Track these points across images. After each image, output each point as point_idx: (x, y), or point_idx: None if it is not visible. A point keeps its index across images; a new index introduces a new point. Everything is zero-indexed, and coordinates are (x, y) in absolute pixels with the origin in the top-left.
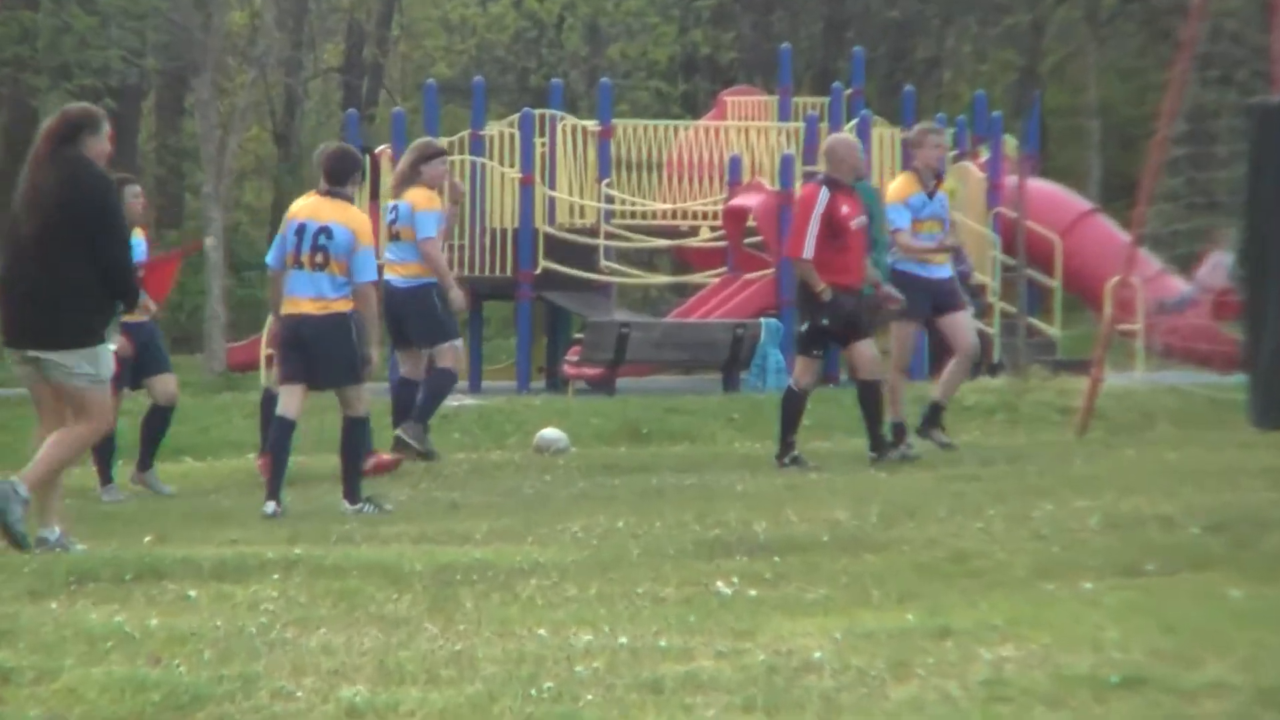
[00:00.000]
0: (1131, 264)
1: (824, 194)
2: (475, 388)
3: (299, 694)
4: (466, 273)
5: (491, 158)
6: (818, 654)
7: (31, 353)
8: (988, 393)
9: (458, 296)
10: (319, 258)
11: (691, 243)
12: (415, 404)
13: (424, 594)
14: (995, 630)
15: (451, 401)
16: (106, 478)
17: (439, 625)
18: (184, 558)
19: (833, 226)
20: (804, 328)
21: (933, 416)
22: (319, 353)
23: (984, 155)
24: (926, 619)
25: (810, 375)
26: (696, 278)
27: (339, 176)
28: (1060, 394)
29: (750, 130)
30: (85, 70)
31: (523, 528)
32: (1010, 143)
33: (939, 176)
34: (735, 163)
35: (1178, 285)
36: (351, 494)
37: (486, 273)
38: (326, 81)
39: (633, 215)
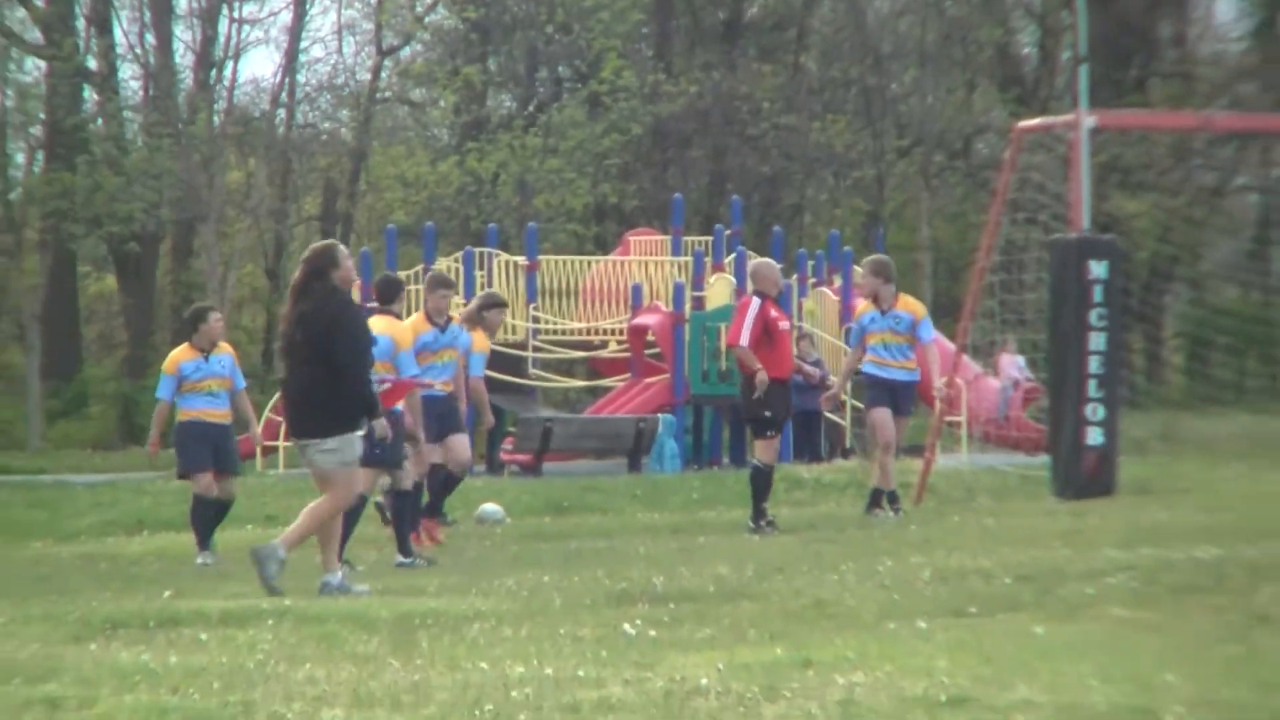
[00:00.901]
0: (957, 368)
1: (756, 301)
2: None
3: (289, 716)
4: None
5: None
6: (704, 681)
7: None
8: (842, 472)
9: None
10: None
11: (602, 354)
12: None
13: (389, 636)
14: (848, 662)
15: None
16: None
17: (401, 661)
18: (197, 609)
19: (765, 327)
20: (753, 418)
21: (874, 499)
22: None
23: (838, 283)
24: (792, 653)
25: (770, 452)
26: (606, 382)
27: (385, 297)
28: (900, 473)
29: (649, 264)
30: (113, 220)
31: (468, 583)
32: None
33: (895, 295)
34: (637, 290)
35: (992, 384)
36: (404, 550)
37: None
38: (308, 228)
39: (555, 332)
